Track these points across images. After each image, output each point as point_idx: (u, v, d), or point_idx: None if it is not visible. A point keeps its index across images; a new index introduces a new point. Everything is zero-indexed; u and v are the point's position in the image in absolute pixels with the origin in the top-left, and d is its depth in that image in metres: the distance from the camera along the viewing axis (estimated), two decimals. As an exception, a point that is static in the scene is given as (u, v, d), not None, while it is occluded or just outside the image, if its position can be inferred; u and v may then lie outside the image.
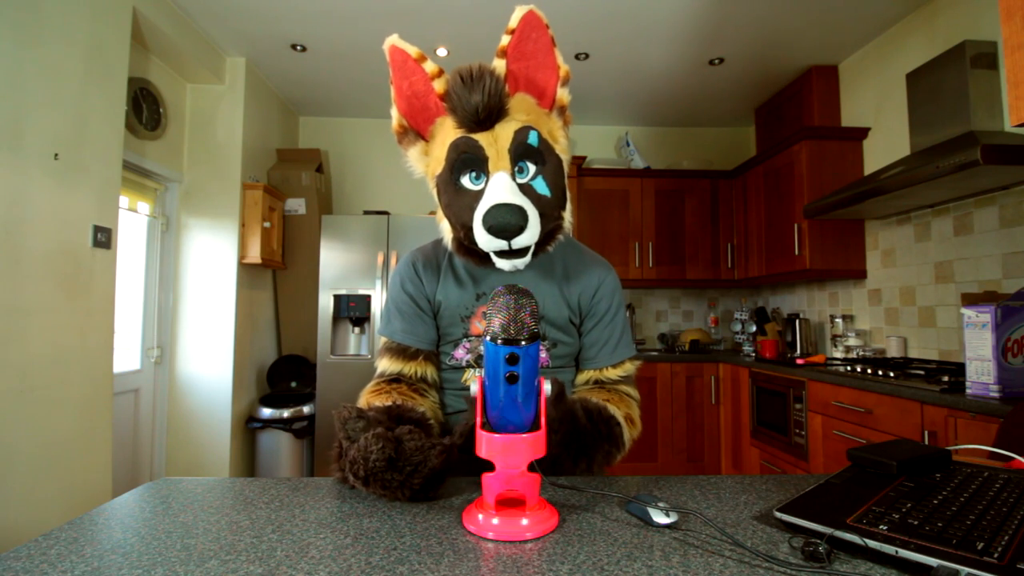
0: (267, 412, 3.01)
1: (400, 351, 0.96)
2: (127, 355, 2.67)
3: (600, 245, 3.58)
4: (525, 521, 0.60)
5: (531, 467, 0.63)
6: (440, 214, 0.94)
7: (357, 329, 3.21)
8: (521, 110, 0.85)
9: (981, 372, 1.64)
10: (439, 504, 0.70)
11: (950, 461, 0.74)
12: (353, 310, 3.14)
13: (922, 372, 2.05)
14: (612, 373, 0.98)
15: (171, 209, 2.90)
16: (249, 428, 3.03)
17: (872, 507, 0.59)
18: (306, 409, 3.09)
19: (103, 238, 2.06)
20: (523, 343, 0.60)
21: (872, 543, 0.52)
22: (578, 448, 0.79)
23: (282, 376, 3.32)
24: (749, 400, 3.02)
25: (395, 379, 0.95)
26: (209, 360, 2.93)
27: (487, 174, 0.84)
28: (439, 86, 0.85)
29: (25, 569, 0.51)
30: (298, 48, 2.92)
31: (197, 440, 2.90)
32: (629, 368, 0.99)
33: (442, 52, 2.95)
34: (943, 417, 1.72)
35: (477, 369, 0.96)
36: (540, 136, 0.85)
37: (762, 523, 0.63)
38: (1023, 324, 1.62)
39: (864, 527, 0.55)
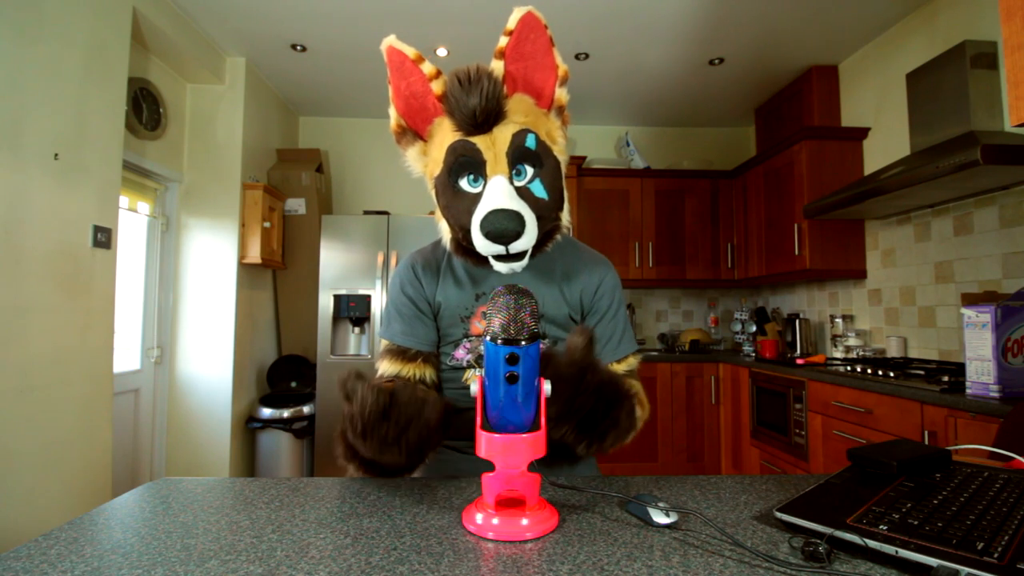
0: (267, 412, 3.01)
1: (400, 353, 0.96)
2: (127, 355, 2.67)
3: (600, 245, 3.57)
4: (525, 521, 0.60)
5: (531, 467, 0.63)
6: (439, 214, 0.94)
7: (357, 329, 3.21)
8: (519, 111, 0.84)
9: (981, 372, 1.64)
10: (439, 504, 0.70)
11: (950, 461, 0.74)
12: (353, 310, 3.14)
13: (922, 372, 2.05)
14: (616, 368, 0.98)
15: (171, 209, 2.90)
16: (249, 428, 3.03)
17: (872, 507, 0.59)
18: (306, 409, 3.09)
19: (103, 238, 2.06)
20: (523, 343, 0.60)
21: (872, 543, 0.52)
22: (606, 401, 0.72)
23: (282, 376, 3.32)
24: (749, 400, 3.02)
25: (393, 381, 0.95)
26: (209, 360, 2.93)
27: (485, 177, 0.83)
28: (437, 87, 0.84)
29: (25, 569, 0.51)
30: (298, 48, 2.92)
31: (197, 440, 2.90)
32: (632, 363, 1.00)
33: (442, 52, 2.95)
34: (943, 417, 1.72)
35: (477, 369, 0.96)
36: (538, 139, 0.85)
37: (762, 523, 0.63)
38: (1023, 324, 1.62)
39: (864, 527, 0.55)
